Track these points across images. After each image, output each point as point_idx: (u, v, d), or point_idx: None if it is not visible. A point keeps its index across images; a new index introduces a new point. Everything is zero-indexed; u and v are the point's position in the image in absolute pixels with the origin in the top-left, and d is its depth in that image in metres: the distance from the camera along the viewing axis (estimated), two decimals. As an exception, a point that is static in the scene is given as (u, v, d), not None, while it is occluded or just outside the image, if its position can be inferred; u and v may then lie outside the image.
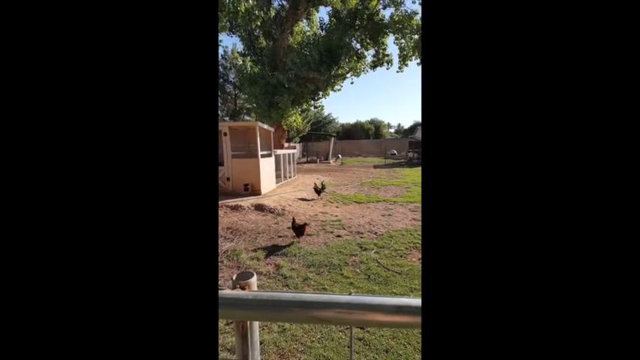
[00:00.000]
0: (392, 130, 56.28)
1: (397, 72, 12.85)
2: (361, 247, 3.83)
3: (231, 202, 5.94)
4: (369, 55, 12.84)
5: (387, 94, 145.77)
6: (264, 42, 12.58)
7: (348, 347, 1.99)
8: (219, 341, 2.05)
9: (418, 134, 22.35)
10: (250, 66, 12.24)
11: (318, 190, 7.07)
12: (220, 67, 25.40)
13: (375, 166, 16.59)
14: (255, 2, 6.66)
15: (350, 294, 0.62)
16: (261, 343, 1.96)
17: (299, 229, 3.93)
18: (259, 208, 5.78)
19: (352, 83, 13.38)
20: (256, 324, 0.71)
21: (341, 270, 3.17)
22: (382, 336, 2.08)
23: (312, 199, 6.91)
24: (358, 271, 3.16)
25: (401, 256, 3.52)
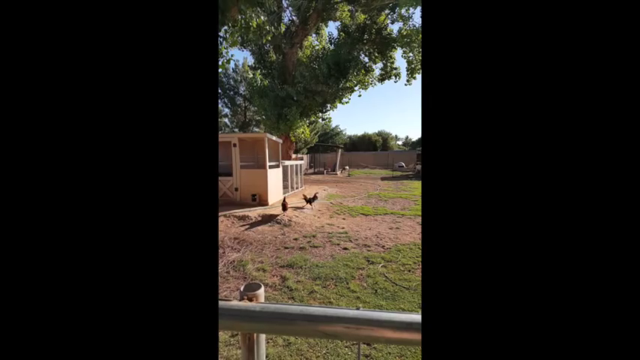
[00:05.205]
0: (400, 143, 56.23)
1: (405, 85, 12.94)
2: (368, 261, 3.77)
3: (239, 212, 5.96)
4: (377, 68, 12.99)
5: (394, 107, 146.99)
6: (274, 56, 12.88)
7: (355, 364, 1.93)
8: (224, 354, 2.02)
9: (426, 147, 22.18)
10: (260, 79, 12.50)
11: (308, 200, 7.08)
12: (231, 80, 26.00)
13: (383, 178, 16.50)
14: (266, 18, 6.87)
15: (358, 308, 0.61)
16: (266, 357, 1.92)
17: (283, 206, 6.01)
18: (266, 218, 5.78)
19: (360, 96, 13.45)
20: (263, 337, 0.71)
21: (347, 284, 3.11)
22: (389, 353, 2.02)
23: (319, 210, 6.89)
24: (365, 285, 3.10)
25: (409, 271, 3.45)
